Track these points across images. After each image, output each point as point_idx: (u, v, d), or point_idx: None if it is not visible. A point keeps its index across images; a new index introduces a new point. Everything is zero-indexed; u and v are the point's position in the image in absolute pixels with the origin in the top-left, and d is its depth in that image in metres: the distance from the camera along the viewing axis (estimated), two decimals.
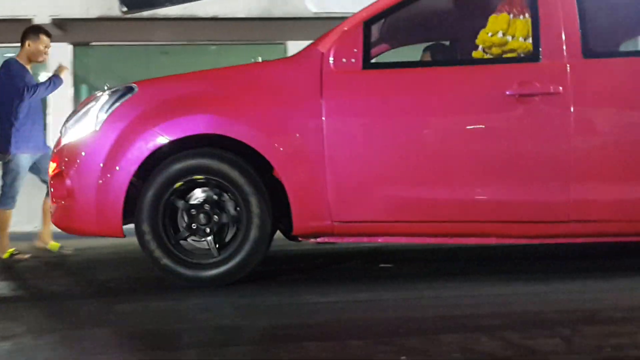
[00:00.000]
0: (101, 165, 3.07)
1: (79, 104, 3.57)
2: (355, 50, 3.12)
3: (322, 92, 3.08)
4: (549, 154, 3.12)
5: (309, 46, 3.23)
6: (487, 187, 3.15)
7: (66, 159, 3.19)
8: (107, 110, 3.13)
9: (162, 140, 3.04)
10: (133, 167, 3.05)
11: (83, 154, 3.12)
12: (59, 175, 3.22)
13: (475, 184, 3.13)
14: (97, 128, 3.11)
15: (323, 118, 3.07)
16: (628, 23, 3.89)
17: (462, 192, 3.12)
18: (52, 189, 3.33)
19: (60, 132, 3.38)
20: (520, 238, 3.28)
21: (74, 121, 3.27)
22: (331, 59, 3.11)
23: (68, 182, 3.14)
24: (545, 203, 3.12)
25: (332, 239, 3.22)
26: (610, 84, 3.14)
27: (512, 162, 3.14)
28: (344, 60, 3.11)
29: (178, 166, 3.07)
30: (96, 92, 3.39)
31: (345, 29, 3.17)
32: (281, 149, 3.07)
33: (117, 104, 3.13)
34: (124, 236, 3.16)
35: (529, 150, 3.13)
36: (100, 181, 3.07)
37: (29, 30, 4.95)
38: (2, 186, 4.80)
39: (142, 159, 3.05)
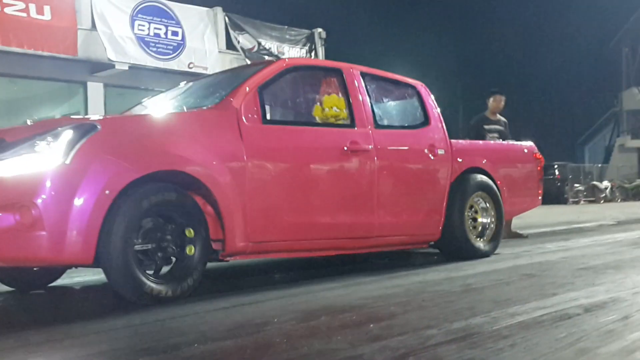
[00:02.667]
0: (75, 195, 3.26)
1: None
2: (255, 109, 4.11)
3: (242, 138, 3.97)
4: (366, 190, 4.69)
5: (225, 100, 4.07)
6: (334, 214, 4.51)
7: (28, 189, 3.24)
8: (75, 145, 3.32)
9: (133, 175, 3.44)
10: (111, 197, 3.34)
11: (50, 184, 3.23)
12: (16, 206, 3.23)
13: (327, 212, 4.46)
14: (68, 161, 3.28)
15: (245, 158, 3.95)
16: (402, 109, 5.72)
17: (320, 217, 4.42)
18: None
19: None
20: (350, 250, 4.82)
21: (14, 156, 3.31)
22: (243, 114, 4.02)
23: (34, 212, 3.20)
24: (363, 224, 4.67)
25: (250, 257, 4.20)
26: (394, 144, 4.96)
27: (347, 196, 4.59)
28: (249, 115, 4.07)
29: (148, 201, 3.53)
30: (32, 124, 3.77)
31: (247, 90, 4.14)
32: (219, 181, 3.80)
33: (84, 140, 3.35)
34: (92, 263, 3.34)
35: (356, 188, 4.65)
36: (75, 211, 3.25)
37: None
38: None
39: (119, 189, 3.37)
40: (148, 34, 10.60)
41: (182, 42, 11.06)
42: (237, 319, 3.10)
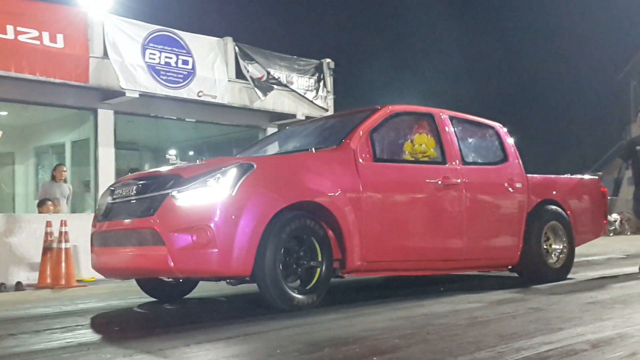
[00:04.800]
0: (240, 220, 4.06)
1: (174, 173, 4.44)
2: (367, 149, 4.89)
3: (359, 174, 4.75)
4: (456, 218, 5.40)
5: (344, 142, 4.87)
6: (431, 239, 5.24)
7: (203, 215, 4.06)
8: (238, 181, 4.14)
9: (282, 205, 4.25)
10: (265, 222, 4.13)
11: (220, 212, 4.05)
12: (194, 228, 4.05)
13: (425, 237, 5.20)
14: (234, 194, 4.10)
15: (361, 190, 4.72)
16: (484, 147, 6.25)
17: (420, 242, 5.17)
18: (179, 240, 4.09)
19: (160, 198, 4.23)
20: (442, 270, 5.76)
21: (190, 190, 4.16)
22: (358, 154, 4.81)
23: (209, 233, 4.01)
24: (453, 248, 5.39)
25: (364, 274, 5.01)
26: (479, 178, 5.66)
27: (441, 223, 5.31)
28: (363, 155, 4.85)
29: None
30: (202, 162, 4.65)
31: (361, 133, 4.94)
32: (342, 209, 4.56)
33: (245, 177, 4.18)
34: (250, 275, 4.15)
35: (448, 216, 5.36)
36: (239, 233, 4.04)
37: None
38: None
39: (271, 216, 4.16)
40: (159, 63, 10.70)
41: (192, 71, 11.16)
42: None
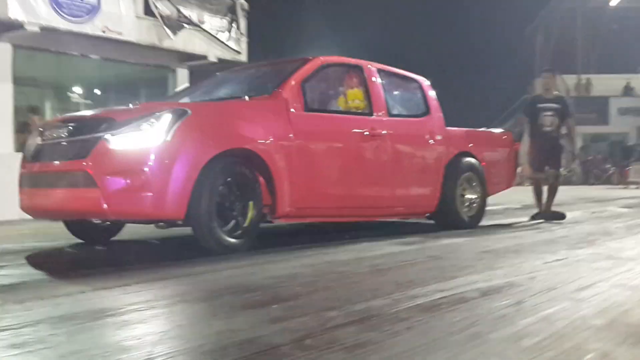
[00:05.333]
0: (174, 165, 4.13)
1: (106, 116, 4.46)
2: (299, 99, 5.05)
3: (290, 123, 4.91)
4: (381, 168, 5.71)
5: (277, 91, 5.01)
6: (357, 187, 5.50)
7: (137, 159, 4.12)
8: (172, 126, 4.18)
9: (215, 151, 4.35)
10: (199, 167, 4.22)
11: (155, 156, 4.11)
12: (127, 172, 4.09)
13: (352, 185, 5.44)
14: (169, 139, 4.15)
15: (292, 139, 4.89)
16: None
17: (347, 189, 5.41)
18: (113, 183, 4.10)
19: (93, 141, 4.21)
20: (367, 217, 6.20)
21: (124, 134, 4.16)
22: (290, 104, 4.96)
23: (143, 177, 4.06)
24: (378, 196, 5.72)
25: (293, 220, 5.35)
26: (403, 130, 6.00)
27: (367, 172, 5.59)
28: (295, 104, 5.01)
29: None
30: (136, 107, 4.81)
31: (293, 83, 5.09)
32: (274, 157, 4.71)
33: (179, 122, 4.22)
34: (183, 219, 4.25)
35: (374, 166, 5.64)
36: (173, 178, 4.11)
37: None
38: None
39: (204, 162, 4.25)
40: None
41: (97, 5, 10.60)
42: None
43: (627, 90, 30.90)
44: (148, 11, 11.67)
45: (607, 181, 25.49)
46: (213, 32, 12.87)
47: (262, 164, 4.66)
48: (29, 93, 12.96)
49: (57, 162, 4.49)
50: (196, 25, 12.50)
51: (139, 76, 13.31)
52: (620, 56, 32.30)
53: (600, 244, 5.13)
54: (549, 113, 7.57)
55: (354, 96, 5.63)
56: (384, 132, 5.67)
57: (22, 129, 10.39)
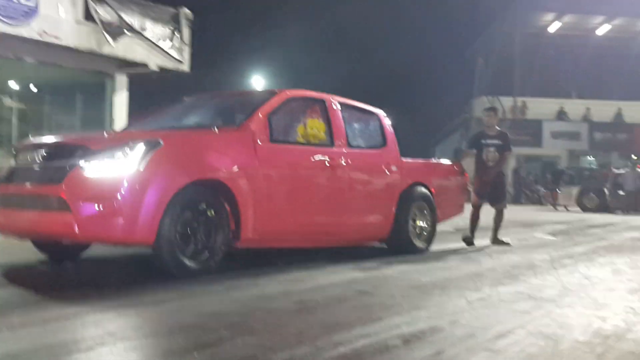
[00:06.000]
0: (145, 193, 4.31)
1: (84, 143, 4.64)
2: (265, 131, 5.28)
3: (256, 154, 5.15)
4: (339, 197, 6.00)
5: (245, 123, 5.27)
6: (316, 215, 5.80)
7: (111, 187, 4.29)
8: (145, 156, 4.39)
9: (185, 181, 4.56)
10: (169, 196, 4.42)
11: (127, 184, 4.28)
12: (100, 198, 4.26)
13: (311, 213, 5.74)
14: (142, 168, 4.35)
15: (257, 169, 5.11)
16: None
17: (307, 217, 5.69)
18: (86, 208, 4.26)
19: (68, 167, 4.40)
20: (324, 244, 6.21)
21: (98, 161, 4.37)
22: (257, 135, 5.20)
23: (115, 203, 4.23)
24: (336, 224, 6.03)
25: (256, 246, 5.35)
26: (361, 161, 6.32)
27: (326, 201, 5.88)
28: (261, 136, 5.24)
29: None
30: (110, 135, 5.08)
31: (260, 116, 5.33)
32: (240, 186, 4.93)
33: (151, 153, 4.42)
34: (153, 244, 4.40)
35: (332, 195, 5.94)
36: (144, 204, 4.29)
37: None
38: None
39: (175, 191, 4.45)
40: None
41: (35, 8, 10.30)
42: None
43: (561, 115, 32.02)
44: (88, 16, 11.41)
45: (537, 202, 26.30)
46: (155, 40, 12.67)
47: (229, 193, 4.87)
48: None
49: (32, 185, 4.68)
50: (137, 33, 12.30)
51: (76, 81, 12.98)
52: (556, 81, 33.48)
53: (523, 279, 5.29)
54: (491, 149, 8.16)
55: (315, 128, 5.90)
56: (343, 162, 5.99)
57: None
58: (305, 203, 5.67)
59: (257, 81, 25.82)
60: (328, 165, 5.83)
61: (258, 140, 5.20)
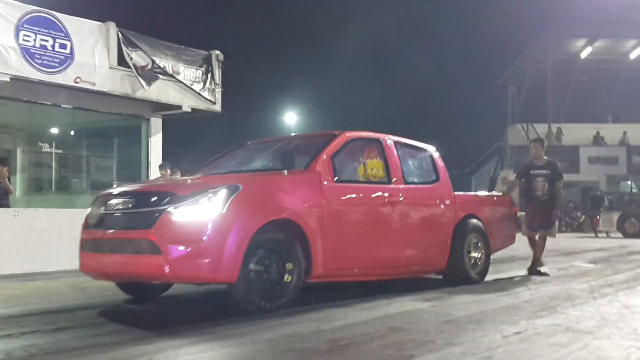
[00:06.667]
0: (228, 235, 4.70)
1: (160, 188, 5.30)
2: (329, 171, 5.68)
3: (323, 194, 5.53)
4: (399, 231, 6.33)
5: (311, 165, 5.67)
6: (378, 249, 6.13)
7: (197, 230, 4.68)
8: (228, 200, 4.80)
9: (263, 222, 4.95)
10: (249, 236, 4.81)
11: (212, 227, 4.69)
12: (188, 241, 4.65)
13: (374, 247, 6.08)
14: (224, 211, 4.75)
15: (324, 208, 5.47)
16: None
17: (370, 251, 6.04)
18: (175, 250, 4.64)
19: (158, 213, 4.79)
20: (386, 276, 6.48)
21: (185, 206, 4.77)
22: (322, 176, 5.59)
23: (202, 245, 4.63)
24: (396, 257, 6.36)
25: (325, 280, 5.67)
26: (417, 196, 6.64)
27: (387, 236, 6.22)
28: (326, 176, 5.64)
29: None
30: (193, 182, 5.52)
31: (324, 157, 5.74)
32: (310, 225, 5.30)
33: (232, 197, 4.84)
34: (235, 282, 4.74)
35: (392, 229, 6.26)
36: (227, 245, 4.67)
37: None
38: None
39: (254, 231, 4.84)
40: (34, 46, 10.10)
41: (70, 56, 10.63)
42: None
43: (597, 139, 31.54)
44: (122, 61, 11.73)
45: (577, 229, 25.78)
46: (188, 83, 12.94)
47: (299, 231, 5.21)
48: (1, 139, 12.88)
49: (123, 230, 5.04)
50: (171, 76, 12.58)
51: (112, 124, 13.30)
52: (590, 106, 33.08)
53: (561, 311, 5.18)
54: (540, 179, 8.33)
55: (373, 166, 6.24)
56: (401, 198, 6.31)
57: None
58: (368, 238, 5.99)
59: (289, 117, 26.10)
60: (387, 201, 6.18)
61: (324, 181, 5.57)
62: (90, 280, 6.11)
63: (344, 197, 5.78)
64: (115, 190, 5.68)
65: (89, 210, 5.60)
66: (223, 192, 4.85)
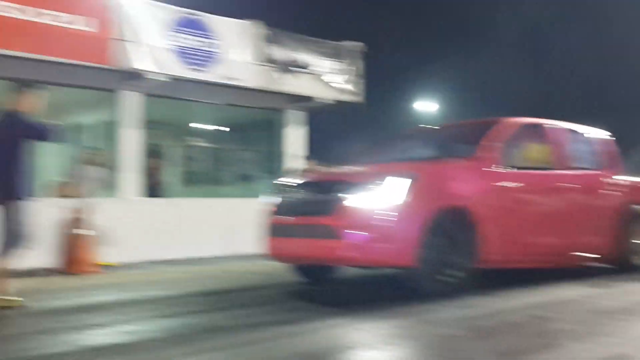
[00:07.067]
0: (408, 220, 4.98)
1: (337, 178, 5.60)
2: (500, 158, 5.73)
3: (491, 179, 5.57)
4: (565, 218, 6.26)
5: (479, 153, 5.73)
6: (547, 236, 6.07)
7: (380, 217, 4.97)
8: (407, 188, 5.02)
9: (438, 207, 5.12)
10: (425, 222, 5.00)
11: (393, 214, 4.96)
12: (372, 227, 4.93)
13: (543, 235, 6.01)
14: (403, 198, 4.99)
15: (494, 194, 5.55)
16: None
17: (539, 238, 5.98)
18: (358, 236, 4.95)
19: (343, 200, 5.10)
20: (553, 265, 6.33)
21: (363, 191, 5.06)
22: (493, 163, 5.67)
23: (386, 231, 4.93)
24: (563, 244, 6.22)
25: (496, 266, 5.60)
26: (583, 182, 6.50)
27: (554, 222, 6.16)
28: (494, 164, 5.70)
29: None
30: (365, 170, 5.73)
31: (491, 145, 5.78)
32: (480, 211, 5.34)
33: (410, 184, 5.03)
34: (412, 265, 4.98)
35: (560, 215, 6.22)
36: (407, 231, 4.95)
37: None
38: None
39: (430, 218, 5.02)
40: (185, 46, 10.83)
41: (218, 54, 11.28)
42: None
43: None
44: (262, 57, 12.21)
45: None
46: (330, 76, 13.21)
47: (469, 217, 5.31)
48: (148, 134, 13.87)
49: (311, 217, 5.35)
50: (312, 69, 12.91)
51: (249, 118, 13.89)
52: None
53: None
54: None
55: (538, 152, 6.17)
56: (567, 184, 6.29)
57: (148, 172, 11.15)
58: (535, 225, 5.95)
59: (426, 106, 25.84)
60: (553, 188, 6.18)
61: (492, 168, 5.64)
62: (242, 266, 6.68)
63: (511, 184, 5.76)
64: (299, 179, 6.10)
65: (273, 198, 5.98)
66: (401, 180, 5.07)
